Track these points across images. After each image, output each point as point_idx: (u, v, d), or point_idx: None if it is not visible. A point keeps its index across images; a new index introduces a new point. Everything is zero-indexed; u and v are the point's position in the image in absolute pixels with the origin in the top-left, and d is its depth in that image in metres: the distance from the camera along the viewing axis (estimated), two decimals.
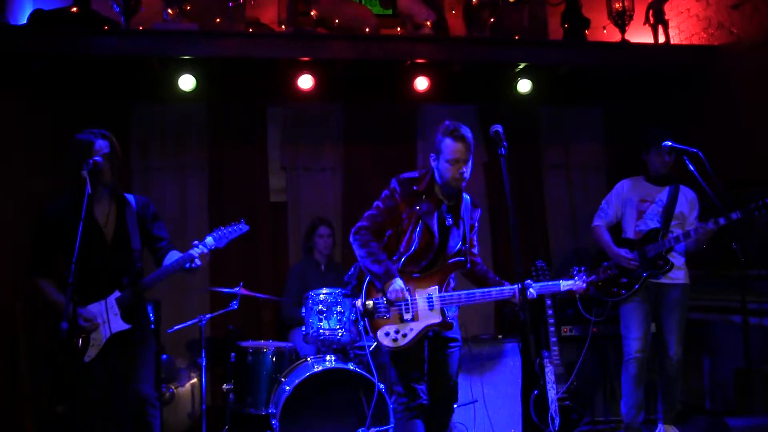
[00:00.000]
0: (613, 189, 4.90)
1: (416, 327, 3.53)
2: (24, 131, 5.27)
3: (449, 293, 3.60)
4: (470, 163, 3.61)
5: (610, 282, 4.61)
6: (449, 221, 3.65)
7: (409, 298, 3.52)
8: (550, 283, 3.76)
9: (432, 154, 3.66)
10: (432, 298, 3.57)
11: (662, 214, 4.60)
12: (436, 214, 3.61)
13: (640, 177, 4.79)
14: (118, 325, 3.43)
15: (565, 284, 3.73)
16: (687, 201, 4.64)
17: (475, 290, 3.64)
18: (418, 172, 3.73)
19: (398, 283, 3.48)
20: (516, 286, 3.46)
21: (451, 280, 3.71)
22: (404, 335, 3.51)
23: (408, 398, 3.56)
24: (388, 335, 3.51)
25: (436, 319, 3.56)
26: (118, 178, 3.55)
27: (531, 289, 3.59)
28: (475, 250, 3.85)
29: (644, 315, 4.55)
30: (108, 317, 3.41)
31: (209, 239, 3.57)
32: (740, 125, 5.29)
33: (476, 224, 3.83)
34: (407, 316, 3.52)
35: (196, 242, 3.55)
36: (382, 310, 3.52)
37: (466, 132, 3.57)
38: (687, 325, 4.61)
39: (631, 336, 4.55)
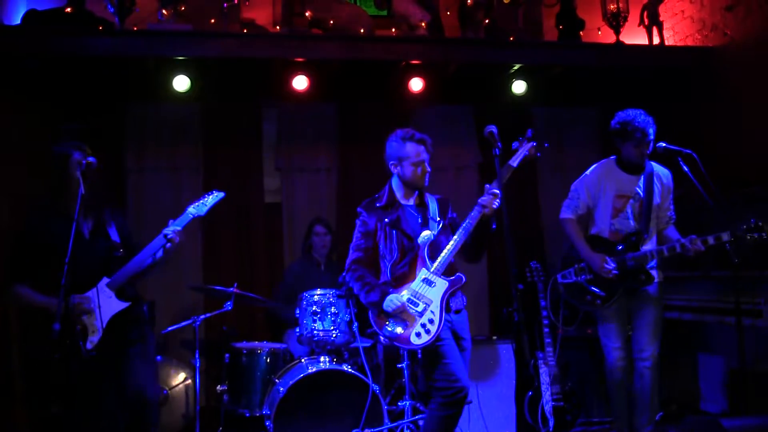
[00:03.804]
0: (584, 176, 4.51)
1: (435, 308, 3.59)
2: (19, 131, 5.25)
3: (436, 261, 3.66)
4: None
5: (583, 288, 4.36)
6: (420, 219, 3.80)
7: (406, 302, 3.59)
8: (501, 170, 3.58)
9: (390, 162, 3.83)
10: (426, 278, 3.64)
11: (639, 211, 4.32)
12: (404, 219, 3.77)
13: (612, 162, 4.44)
14: (116, 305, 3.46)
15: (514, 159, 3.80)
16: (662, 187, 4.38)
17: (452, 236, 3.67)
18: (376, 194, 3.90)
19: (391, 296, 3.61)
20: (477, 202, 3.60)
21: (433, 252, 3.72)
22: (431, 321, 3.56)
23: (453, 390, 3.54)
24: (419, 335, 3.55)
25: (444, 285, 3.63)
26: (96, 190, 3.54)
27: (489, 196, 3.59)
28: None
29: (623, 321, 4.35)
30: (102, 302, 3.42)
31: (191, 209, 3.67)
32: (735, 126, 5.30)
33: (452, 215, 3.94)
34: (420, 308, 3.59)
35: (170, 221, 3.60)
36: (397, 325, 3.59)
37: (423, 134, 3.83)
38: (680, 326, 4.58)
39: (611, 345, 4.36)
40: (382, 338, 3.62)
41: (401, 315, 3.59)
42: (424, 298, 3.60)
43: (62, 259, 3.10)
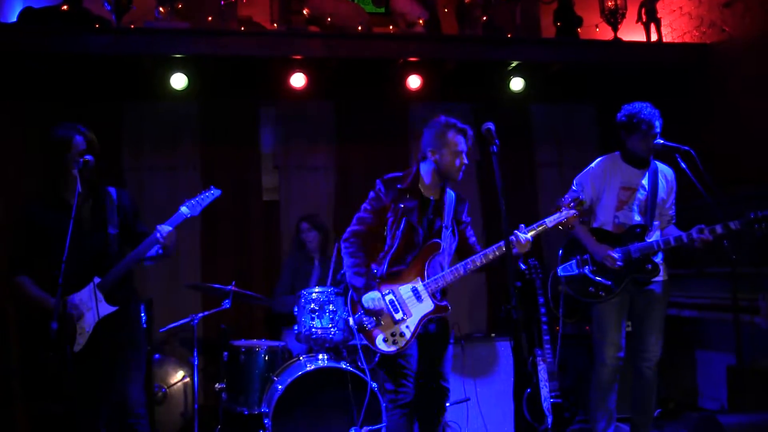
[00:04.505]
0: (588, 169, 4.37)
1: (412, 323, 3.56)
2: (15, 130, 5.24)
3: (433, 278, 3.61)
4: None
5: (586, 279, 4.24)
6: (432, 216, 3.70)
7: (385, 306, 3.55)
8: (536, 223, 3.63)
9: (429, 149, 3.69)
10: (417, 289, 3.60)
11: (644, 205, 4.22)
12: (418, 211, 3.66)
13: (617, 156, 4.34)
14: (104, 308, 3.39)
15: (551, 219, 3.65)
16: (666, 184, 4.30)
17: (458, 264, 3.61)
18: (401, 172, 3.78)
19: (372, 293, 3.55)
20: (499, 243, 3.50)
21: (438, 265, 3.67)
22: (402, 335, 3.54)
23: (398, 395, 3.59)
24: (386, 341, 3.54)
25: (429, 307, 3.58)
26: (98, 173, 3.52)
27: (521, 235, 3.52)
28: (471, 240, 3.87)
29: (621, 317, 4.21)
30: (92, 304, 3.37)
31: (183, 208, 3.55)
32: (733, 123, 5.30)
33: (466, 220, 3.87)
34: (398, 316, 3.55)
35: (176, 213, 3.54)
36: (371, 320, 3.57)
37: (464, 125, 3.71)
38: (679, 323, 4.55)
39: (605, 340, 4.19)
40: (351, 320, 3.58)
41: (378, 312, 3.56)
42: (406, 309, 3.57)
43: (60, 250, 3.05)
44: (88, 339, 3.36)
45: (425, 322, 3.59)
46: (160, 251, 3.52)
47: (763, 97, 5.02)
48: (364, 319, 3.56)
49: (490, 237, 6.29)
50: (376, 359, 3.63)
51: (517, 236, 3.51)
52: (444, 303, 3.62)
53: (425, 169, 3.74)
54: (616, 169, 4.30)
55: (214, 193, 3.64)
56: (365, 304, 3.54)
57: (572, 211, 3.64)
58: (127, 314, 3.53)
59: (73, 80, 5.55)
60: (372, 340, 3.54)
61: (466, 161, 3.69)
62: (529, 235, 3.55)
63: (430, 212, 3.70)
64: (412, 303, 3.58)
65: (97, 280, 3.42)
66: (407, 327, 3.54)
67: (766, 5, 5.04)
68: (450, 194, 3.81)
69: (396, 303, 3.56)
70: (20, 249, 3.48)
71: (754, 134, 5.08)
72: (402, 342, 3.52)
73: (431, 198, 3.73)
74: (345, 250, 3.69)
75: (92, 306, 3.38)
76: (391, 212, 3.67)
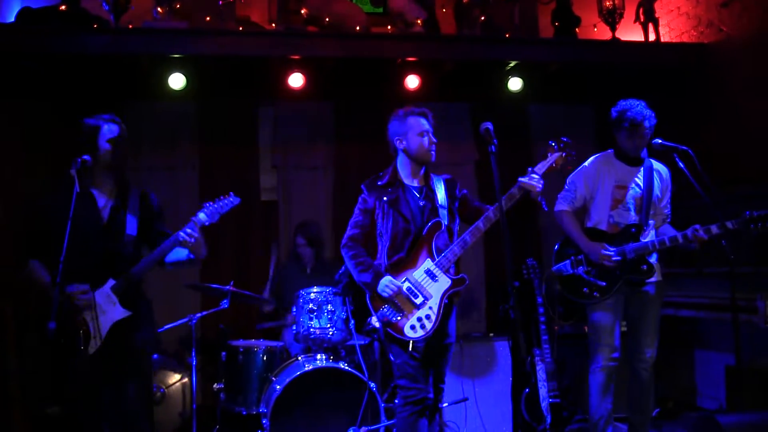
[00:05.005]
0: (582, 168, 4.31)
1: (434, 304, 3.56)
2: (13, 130, 5.24)
3: (443, 255, 3.61)
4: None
5: (581, 280, 4.19)
6: (422, 202, 3.72)
7: (401, 287, 3.55)
8: (527, 175, 3.65)
9: (395, 139, 3.77)
10: (430, 270, 3.60)
11: (639, 203, 4.16)
12: (404, 199, 3.70)
13: (610, 154, 4.30)
14: (119, 313, 3.35)
15: (539, 167, 3.68)
16: (662, 181, 4.26)
17: (463, 234, 3.64)
18: (381, 172, 3.84)
19: (386, 279, 3.55)
20: (497, 203, 3.44)
21: (443, 244, 3.66)
22: (428, 317, 3.54)
23: (414, 391, 3.56)
24: (414, 328, 3.53)
25: (447, 284, 3.60)
26: (124, 163, 3.53)
27: (524, 178, 3.60)
28: (476, 203, 3.91)
29: (616, 318, 4.15)
30: (106, 307, 3.33)
31: (201, 215, 3.52)
32: (731, 123, 5.30)
33: (462, 192, 3.90)
34: (418, 301, 3.55)
35: (193, 218, 3.50)
36: (395, 312, 3.55)
37: (423, 108, 3.81)
38: (677, 322, 4.53)
39: (601, 342, 4.15)
40: (374, 320, 3.55)
41: (399, 302, 3.55)
42: (425, 291, 3.56)
43: (71, 247, 3.02)
44: (101, 344, 3.31)
45: (447, 299, 3.59)
46: (191, 256, 3.53)
47: (762, 97, 5.02)
48: (388, 312, 3.55)
49: (490, 235, 6.28)
50: (410, 349, 3.59)
51: (519, 182, 3.61)
52: (460, 276, 3.64)
53: (400, 161, 3.80)
54: (610, 167, 4.26)
55: (233, 200, 3.62)
56: (382, 293, 3.53)
57: (557, 153, 3.65)
58: (139, 318, 3.47)
59: (71, 80, 5.55)
60: (400, 331, 3.53)
61: (434, 140, 3.76)
62: (527, 180, 3.62)
63: (417, 197, 3.73)
64: (428, 284, 3.58)
65: (111, 282, 3.37)
66: (431, 308, 3.55)
67: (764, 4, 5.04)
68: (438, 179, 3.85)
69: (413, 289, 3.56)
70: (36, 235, 3.45)
71: (752, 134, 5.08)
72: (429, 325, 3.52)
73: (415, 185, 3.78)
74: (346, 254, 3.72)
75: (105, 310, 3.33)
76: (378, 209, 3.72)
